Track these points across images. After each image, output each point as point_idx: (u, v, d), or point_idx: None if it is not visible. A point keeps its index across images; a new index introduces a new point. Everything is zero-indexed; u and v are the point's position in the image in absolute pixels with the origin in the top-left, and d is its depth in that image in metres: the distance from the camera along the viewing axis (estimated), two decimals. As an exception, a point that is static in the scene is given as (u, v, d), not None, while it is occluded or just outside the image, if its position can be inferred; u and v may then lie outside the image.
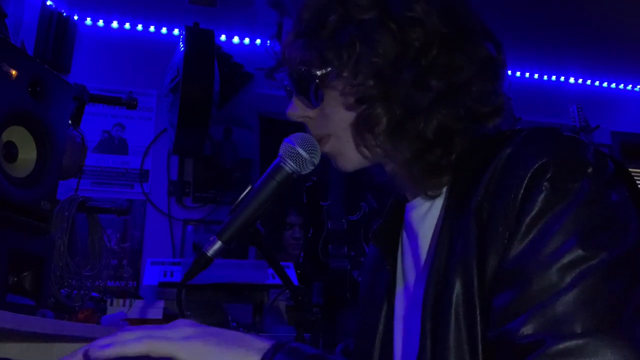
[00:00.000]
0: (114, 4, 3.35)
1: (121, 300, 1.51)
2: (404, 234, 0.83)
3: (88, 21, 3.43)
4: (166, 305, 1.55)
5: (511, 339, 0.55)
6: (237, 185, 3.41)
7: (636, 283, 0.55)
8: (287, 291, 0.92)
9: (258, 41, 3.62)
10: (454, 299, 0.63)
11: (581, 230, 0.56)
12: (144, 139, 3.38)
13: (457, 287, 0.63)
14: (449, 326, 0.62)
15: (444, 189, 0.74)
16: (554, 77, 4.18)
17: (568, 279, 0.54)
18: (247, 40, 3.64)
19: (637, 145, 4.18)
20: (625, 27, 3.52)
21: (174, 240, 3.25)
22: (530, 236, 0.58)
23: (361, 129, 0.74)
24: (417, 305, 0.70)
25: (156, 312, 1.52)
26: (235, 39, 3.62)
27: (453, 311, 0.62)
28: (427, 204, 0.76)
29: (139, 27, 3.50)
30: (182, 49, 2.82)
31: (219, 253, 0.81)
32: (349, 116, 0.75)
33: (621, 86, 4.35)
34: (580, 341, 0.51)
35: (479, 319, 0.61)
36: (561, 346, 0.51)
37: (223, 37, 3.59)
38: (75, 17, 3.38)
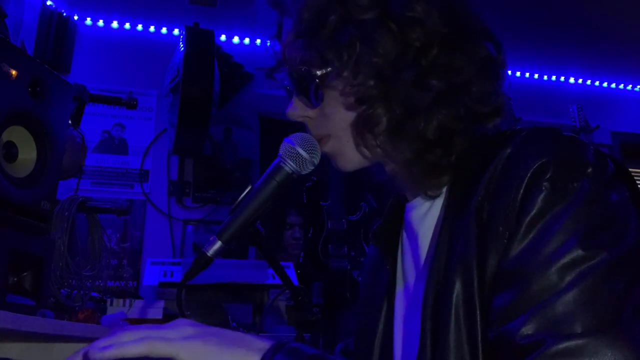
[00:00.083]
0: (114, 4, 3.35)
1: (121, 300, 1.51)
2: (404, 234, 0.83)
3: (88, 21, 3.43)
4: (166, 305, 1.55)
5: (511, 339, 0.55)
6: (237, 185, 3.41)
7: (636, 283, 0.55)
8: (287, 291, 0.92)
9: (258, 41, 3.62)
10: (454, 299, 0.63)
11: (581, 230, 0.56)
12: (144, 139, 3.38)
13: (457, 287, 0.63)
14: (449, 326, 0.62)
15: (444, 189, 0.74)
16: (554, 77, 4.18)
17: (568, 279, 0.54)
18: (247, 40, 3.64)
19: (637, 145, 4.18)
20: (625, 27, 3.52)
21: (174, 240, 3.25)
22: (530, 236, 0.58)
23: (361, 129, 0.74)
24: (417, 305, 0.70)
25: (156, 312, 1.52)
26: (235, 39, 3.62)
27: (453, 311, 0.62)
28: (427, 204, 0.76)
29: (139, 27, 3.50)
30: (182, 49, 2.82)
31: (219, 253, 0.81)
32: (349, 116, 0.75)
33: (621, 86, 4.35)
34: (580, 341, 0.51)
35: (479, 319, 0.61)
36: (561, 346, 0.51)
37: (223, 37, 3.59)
38: (75, 17, 3.38)
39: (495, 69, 0.74)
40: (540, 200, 0.59)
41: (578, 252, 0.55)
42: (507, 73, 0.76)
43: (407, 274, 0.81)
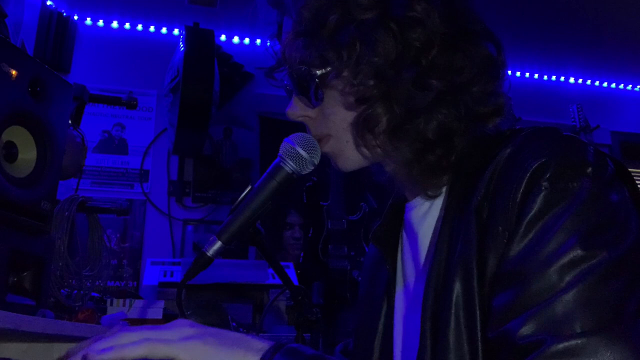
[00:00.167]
0: (114, 4, 3.35)
1: (121, 300, 1.51)
2: (404, 234, 0.83)
3: (88, 21, 3.43)
4: (166, 305, 1.55)
5: (511, 339, 0.55)
6: (237, 185, 3.41)
7: (636, 283, 0.55)
8: (287, 291, 0.92)
9: (258, 41, 3.62)
10: (453, 299, 0.63)
11: (581, 230, 0.56)
12: (144, 139, 3.38)
13: (457, 287, 0.63)
14: (448, 326, 0.62)
15: (444, 189, 0.74)
16: (554, 77, 4.18)
17: (568, 279, 0.54)
18: (247, 40, 3.64)
19: (637, 145, 4.18)
20: (625, 27, 3.52)
21: (174, 240, 3.25)
22: (530, 236, 0.58)
23: (361, 128, 0.74)
24: (417, 305, 0.70)
25: (156, 312, 1.51)
26: (235, 39, 3.62)
27: (453, 311, 0.62)
28: (427, 203, 0.76)
29: (139, 27, 3.50)
30: (182, 49, 2.82)
31: (219, 253, 0.80)
32: (349, 116, 0.75)
33: (621, 86, 4.35)
34: (579, 341, 0.51)
35: (478, 319, 0.61)
36: (561, 346, 0.51)
37: (223, 37, 3.58)
38: (75, 17, 3.38)
39: (496, 69, 0.74)
40: (540, 200, 0.59)
41: (578, 252, 0.55)
42: (507, 73, 0.76)
43: (407, 273, 0.81)
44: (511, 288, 0.57)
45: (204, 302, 2.06)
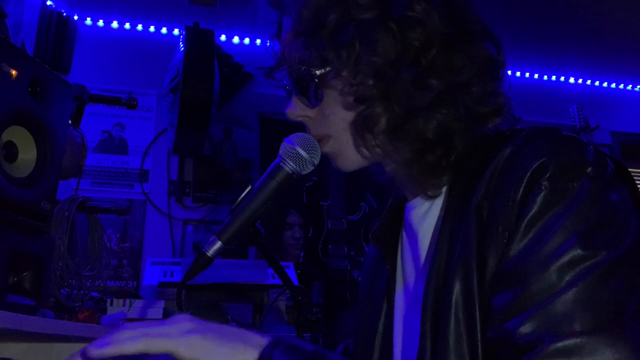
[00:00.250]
0: (114, 4, 3.35)
1: (121, 300, 1.51)
2: (404, 234, 0.83)
3: (88, 21, 3.42)
4: (166, 305, 1.55)
5: (510, 338, 0.55)
6: (237, 185, 3.41)
7: (636, 283, 0.55)
8: (287, 291, 0.92)
9: (258, 41, 3.62)
10: (453, 300, 0.63)
11: (581, 229, 0.56)
12: (144, 139, 3.38)
13: (457, 287, 0.63)
14: (448, 326, 0.62)
15: (444, 189, 0.74)
16: (554, 77, 4.18)
17: (567, 279, 0.54)
18: (247, 40, 3.64)
19: (637, 145, 4.18)
20: (625, 27, 3.52)
21: (174, 240, 3.25)
22: (530, 236, 0.58)
23: (360, 128, 0.74)
24: (417, 306, 0.70)
25: (156, 312, 1.51)
26: (235, 39, 3.62)
27: (453, 311, 0.62)
28: (427, 203, 0.76)
29: (139, 27, 3.50)
30: (182, 49, 2.82)
31: (219, 253, 0.81)
32: (349, 116, 0.75)
33: (621, 86, 4.35)
34: (579, 340, 0.51)
35: (478, 319, 0.61)
36: (560, 345, 0.51)
37: (223, 37, 3.58)
38: (75, 17, 3.38)
39: (495, 69, 0.74)
40: (540, 199, 0.59)
41: (577, 252, 0.55)
42: (507, 73, 0.76)
43: (406, 273, 0.81)
44: (511, 288, 0.57)
45: (204, 302, 2.06)
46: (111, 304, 1.49)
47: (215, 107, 2.94)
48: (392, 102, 0.70)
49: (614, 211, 0.59)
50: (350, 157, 0.79)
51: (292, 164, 0.79)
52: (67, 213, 1.50)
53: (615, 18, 3.42)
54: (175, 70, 2.84)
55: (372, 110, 0.71)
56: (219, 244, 0.80)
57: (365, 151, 0.76)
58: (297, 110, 0.80)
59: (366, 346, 0.84)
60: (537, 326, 0.53)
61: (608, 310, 0.53)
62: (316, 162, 0.80)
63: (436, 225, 0.74)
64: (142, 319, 1.48)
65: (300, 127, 0.83)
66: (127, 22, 3.48)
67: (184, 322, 0.60)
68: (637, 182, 0.64)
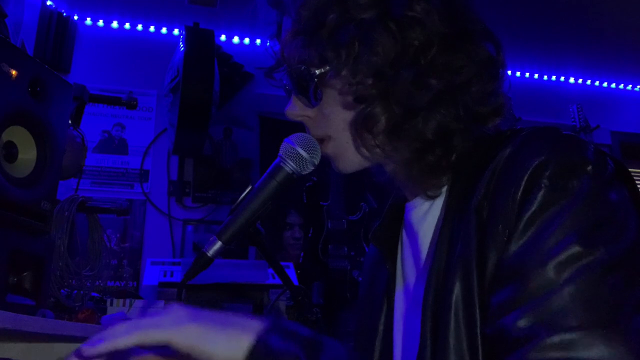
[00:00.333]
0: (114, 4, 3.35)
1: (121, 300, 1.51)
2: (404, 234, 0.83)
3: (88, 21, 3.42)
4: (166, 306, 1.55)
5: (506, 333, 0.55)
6: (237, 185, 3.41)
7: (633, 282, 0.55)
8: (287, 291, 0.92)
9: (258, 41, 3.62)
10: (453, 299, 0.63)
11: (580, 227, 0.56)
12: (144, 139, 3.38)
13: (457, 287, 0.63)
14: (448, 326, 0.62)
15: (444, 189, 0.74)
16: (554, 77, 4.18)
17: (565, 275, 0.54)
18: (247, 40, 3.64)
19: (637, 145, 4.18)
20: (625, 27, 3.52)
21: (174, 240, 3.25)
22: (529, 233, 0.58)
23: (360, 128, 0.74)
24: (417, 305, 0.70)
25: (156, 312, 1.51)
26: (235, 39, 3.62)
27: (453, 311, 0.62)
28: (427, 203, 0.76)
29: (139, 27, 3.50)
30: (182, 49, 2.82)
31: (219, 253, 0.80)
32: (348, 115, 0.75)
33: (621, 86, 4.35)
34: (575, 335, 0.51)
35: (478, 318, 0.61)
36: (556, 339, 0.51)
37: (223, 37, 3.58)
38: (75, 17, 3.38)
39: (495, 69, 0.74)
40: (539, 197, 0.59)
41: (576, 249, 0.55)
42: (507, 73, 0.76)
43: (407, 273, 0.81)
44: (509, 285, 0.57)
45: (204, 302, 2.06)
46: (111, 304, 1.49)
47: (215, 107, 2.94)
48: (391, 102, 0.70)
49: (614, 210, 0.59)
50: (351, 159, 0.79)
51: (292, 164, 0.79)
52: (67, 213, 1.50)
53: (615, 18, 3.42)
54: (175, 70, 2.84)
55: (372, 110, 0.71)
56: (219, 244, 0.80)
57: (365, 152, 0.76)
58: (296, 109, 0.80)
59: (366, 346, 0.84)
60: (533, 321, 0.53)
61: (605, 307, 0.53)
62: (316, 162, 0.80)
63: (436, 225, 0.74)
64: (142, 319, 1.48)
65: (300, 127, 0.83)
66: (127, 22, 3.48)
67: (177, 311, 0.59)
68: (637, 182, 0.63)
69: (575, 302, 0.53)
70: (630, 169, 0.65)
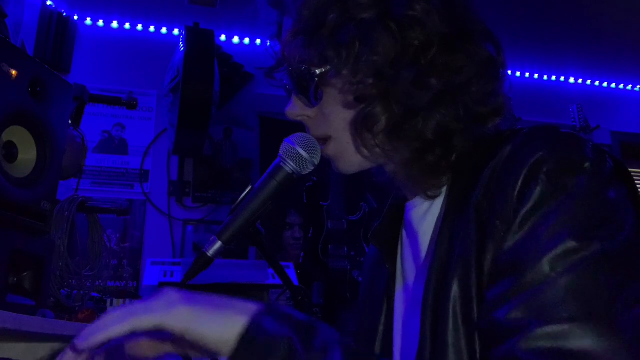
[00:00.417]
0: (114, 4, 3.35)
1: (121, 300, 1.51)
2: (404, 233, 0.83)
3: (88, 21, 3.42)
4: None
5: (498, 324, 0.55)
6: (237, 185, 3.41)
7: (628, 279, 0.55)
8: (287, 291, 0.92)
9: (258, 41, 3.62)
10: (452, 297, 0.63)
11: (576, 223, 0.57)
12: (144, 139, 3.38)
13: (456, 285, 0.63)
14: (447, 324, 0.62)
15: (444, 189, 0.74)
16: (554, 77, 4.18)
17: (559, 269, 0.54)
18: (247, 40, 3.64)
19: (637, 145, 4.18)
20: (625, 27, 3.52)
21: (174, 240, 3.25)
22: (526, 228, 0.58)
23: (360, 128, 0.74)
24: (416, 304, 0.70)
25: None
26: (235, 39, 3.62)
27: (451, 309, 0.62)
28: (427, 203, 0.76)
29: (139, 27, 3.50)
30: (182, 49, 2.82)
31: (219, 253, 0.80)
32: (348, 115, 0.75)
33: (621, 86, 4.35)
34: (566, 326, 0.51)
35: (476, 316, 0.61)
36: (547, 329, 0.51)
37: (223, 37, 3.58)
38: (75, 17, 3.38)
39: (495, 69, 0.74)
40: (536, 193, 0.59)
41: (571, 244, 0.55)
42: (507, 73, 0.76)
43: (406, 273, 0.81)
44: (504, 279, 0.58)
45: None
46: (111, 304, 1.49)
47: (215, 107, 2.94)
48: (391, 101, 0.70)
49: (611, 207, 0.59)
50: (351, 160, 0.79)
51: (292, 164, 0.79)
52: (67, 213, 1.50)
53: (615, 18, 3.42)
54: (175, 70, 2.84)
55: (372, 110, 0.71)
56: (219, 244, 0.80)
57: (365, 152, 0.76)
58: (296, 109, 0.80)
59: (367, 346, 0.84)
60: (526, 312, 0.54)
61: (598, 300, 0.53)
62: (316, 162, 0.80)
63: (436, 224, 0.74)
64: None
65: (300, 127, 0.83)
66: (127, 22, 3.48)
67: (170, 295, 0.57)
68: (637, 182, 0.63)
69: (567, 295, 0.53)
70: (630, 169, 0.65)
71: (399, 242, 0.85)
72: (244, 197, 0.81)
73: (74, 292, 1.48)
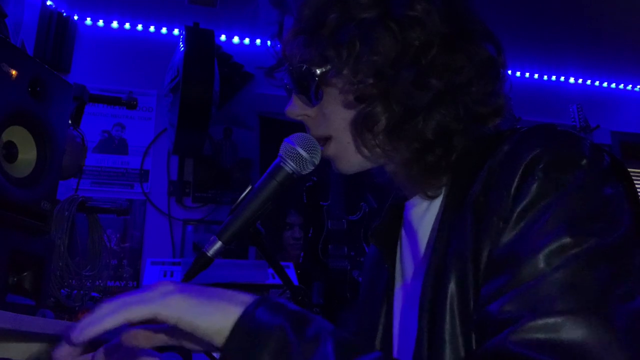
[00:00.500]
0: (114, 4, 3.35)
1: (121, 300, 1.51)
2: (404, 233, 0.83)
3: (88, 21, 3.42)
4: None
5: (491, 317, 0.55)
6: (237, 185, 3.41)
7: (621, 274, 0.55)
8: (287, 291, 0.92)
9: (258, 41, 3.62)
10: (448, 293, 0.63)
11: (571, 219, 0.57)
12: (144, 139, 3.38)
13: (452, 281, 0.63)
14: (444, 320, 0.62)
15: (444, 189, 0.74)
16: (554, 77, 4.18)
17: (554, 264, 0.55)
18: (247, 40, 3.63)
19: (637, 145, 4.17)
20: (625, 27, 3.52)
21: (174, 240, 3.25)
22: (522, 224, 0.59)
23: (360, 127, 0.74)
24: (414, 302, 0.70)
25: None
26: (235, 39, 3.62)
27: (448, 305, 0.63)
28: (427, 202, 0.77)
29: (139, 27, 3.50)
30: (182, 49, 2.82)
31: (219, 253, 0.80)
32: (349, 115, 0.75)
33: (621, 86, 4.34)
34: (559, 319, 0.51)
35: (472, 311, 0.61)
36: (540, 322, 0.52)
37: (223, 37, 3.58)
38: (75, 17, 3.37)
39: (496, 69, 0.74)
40: (533, 189, 0.59)
41: (566, 239, 0.55)
42: (508, 73, 0.76)
43: (406, 271, 0.81)
44: (500, 275, 0.58)
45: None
46: (111, 304, 1.49)
47: (215, 107, 2.94)
48: (391, 101, 0.70)
49: (607, 204, 0.59)
50: (352, 160, 0.79)
51: (292, 164, 0.79)
52: (67, 213, 1.50)
53: (615, 18, 3.42)
54: (175, 70, 2.84)
55: (372, 109, 0.71)
56: (219, 244, 0.80)
57: (366, 152, 0.76)
58: (297, 109, 0.80)
59: (367, 345, 0.84)
60: (519, 305, 0.54)
61: (592, 294, 0.53)
62: (316, 162, 0.80)
63: (435, 222, 0.74)
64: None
65: (300, 127, 0.83)
66: (127, 22, 3.48)
67: (165, 286, 0.57)
68: (637, 182, 0.63)
69: (561, 289, 0.53)
70: (630, 169, 0.65)
71: (399, 242, 0.85)
72: (244, 197, 0.81)
73: (74, 292, 1.48)
